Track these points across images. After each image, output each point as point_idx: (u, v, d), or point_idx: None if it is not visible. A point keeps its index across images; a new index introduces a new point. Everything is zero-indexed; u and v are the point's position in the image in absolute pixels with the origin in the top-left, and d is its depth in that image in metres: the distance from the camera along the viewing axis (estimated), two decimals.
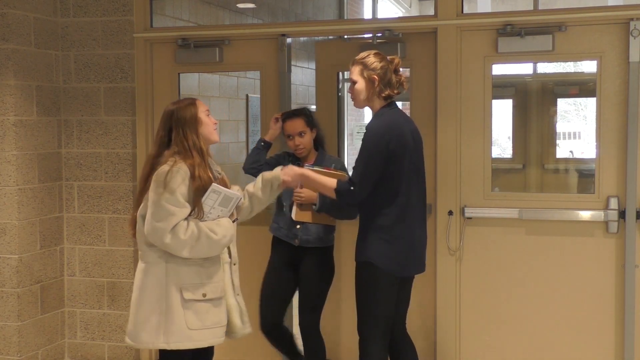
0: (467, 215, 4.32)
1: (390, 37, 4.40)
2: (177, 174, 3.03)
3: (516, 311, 4.31)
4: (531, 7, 4.75)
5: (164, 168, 3.05)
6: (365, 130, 3.48)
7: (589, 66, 4.98)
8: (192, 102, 3.23)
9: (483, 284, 4.35)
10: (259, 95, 4.77)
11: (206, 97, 5.77)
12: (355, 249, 3.52)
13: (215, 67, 5.03)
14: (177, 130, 3.15)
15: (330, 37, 5.37)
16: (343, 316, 4.56)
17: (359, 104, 3.57)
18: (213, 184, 3.09)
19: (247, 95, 6.24)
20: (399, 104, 3.57)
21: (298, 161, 3.98)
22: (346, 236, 4.31)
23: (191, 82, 5.55)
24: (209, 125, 3.22)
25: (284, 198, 3.98)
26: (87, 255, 4.90)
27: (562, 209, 4.20)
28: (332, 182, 3.47)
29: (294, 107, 4.40)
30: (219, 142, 3.39)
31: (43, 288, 4.77)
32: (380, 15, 9.00)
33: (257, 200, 3.41)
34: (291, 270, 4.05)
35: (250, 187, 3.42)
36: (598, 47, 4.13)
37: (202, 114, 3.20)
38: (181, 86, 4.92)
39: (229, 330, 3.30)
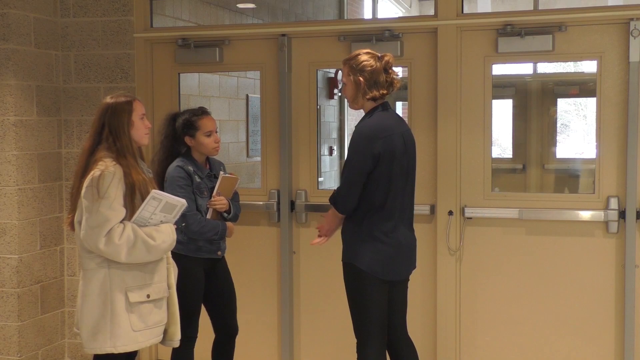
0: (467, 215, 4.32)
1: (390, 37, 4.40)
2: (108, 177, 3.00)
3: (516, 311, 4.31)
4: (531, 7, 4.75)
5: (96, 173, 3.02)
6: (353, 130, 3.38)
7: (589, 66, 4.97)
8: (129, 102, 3.18)
9: (483, 284, 4.35)
10: (259, 95, 4.77)
11: (206, 97, 5.76)
12: (342, 249, 3.45)
13: (215, 67, 5.03)
14: (110, 129, 3.13)
15: None
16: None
17: (350, 106, 3.48)
18: (153, 190, 3.05)
19: (247, 95, 6.22)
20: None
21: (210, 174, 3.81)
22: None
23: (191, 82, 5.54)
24: (140, 129, 3.20)
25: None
26: None
27: (562, 209, 4.19)
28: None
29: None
30: (147, 145, 3.32)
31: (43, 288, 4.76)
32: (380, 15, 8.98)
33: None
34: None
35: None
36: (598, 47, 4.12)
37: (136, 117, 3.18)
38: (181, 86, 4.92)
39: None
